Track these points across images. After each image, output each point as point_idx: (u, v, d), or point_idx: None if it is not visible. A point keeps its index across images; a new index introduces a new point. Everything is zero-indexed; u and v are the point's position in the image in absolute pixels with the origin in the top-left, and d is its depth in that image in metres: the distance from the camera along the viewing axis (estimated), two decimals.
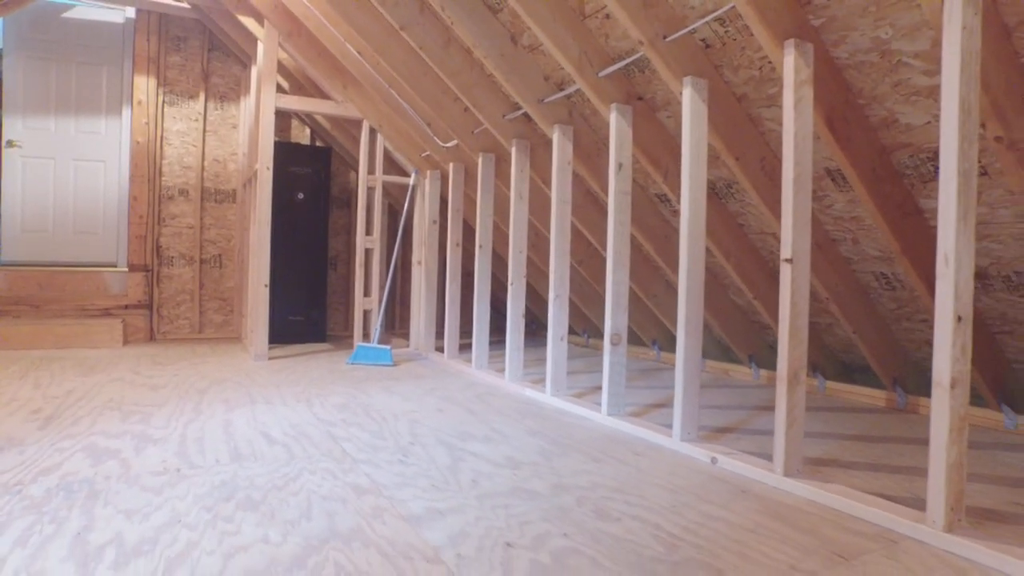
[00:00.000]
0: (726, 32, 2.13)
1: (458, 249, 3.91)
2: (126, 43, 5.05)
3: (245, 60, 5.05)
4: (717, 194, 2.88)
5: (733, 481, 1.89)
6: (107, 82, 5.03)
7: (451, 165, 3.93)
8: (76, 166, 4.95)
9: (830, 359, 3.32)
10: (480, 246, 3.55)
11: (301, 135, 5.29)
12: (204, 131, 5.01)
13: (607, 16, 2.39)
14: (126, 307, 4.65)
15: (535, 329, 5.69)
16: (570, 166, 2.90)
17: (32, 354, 3.97)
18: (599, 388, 3.28)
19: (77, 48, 4.97)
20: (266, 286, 3.88)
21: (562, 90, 2.91)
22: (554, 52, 2.46)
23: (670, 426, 2.45)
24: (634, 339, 4.54)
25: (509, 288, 3.23)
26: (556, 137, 2.88)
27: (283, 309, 4.61)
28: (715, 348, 3.95)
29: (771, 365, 3.63)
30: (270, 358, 3.99)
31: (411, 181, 4.29)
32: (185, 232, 4.91)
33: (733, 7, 1.95)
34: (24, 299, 4.46)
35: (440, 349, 4.27)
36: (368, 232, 4.13)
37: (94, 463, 1.90)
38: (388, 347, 3.85)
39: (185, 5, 4.79)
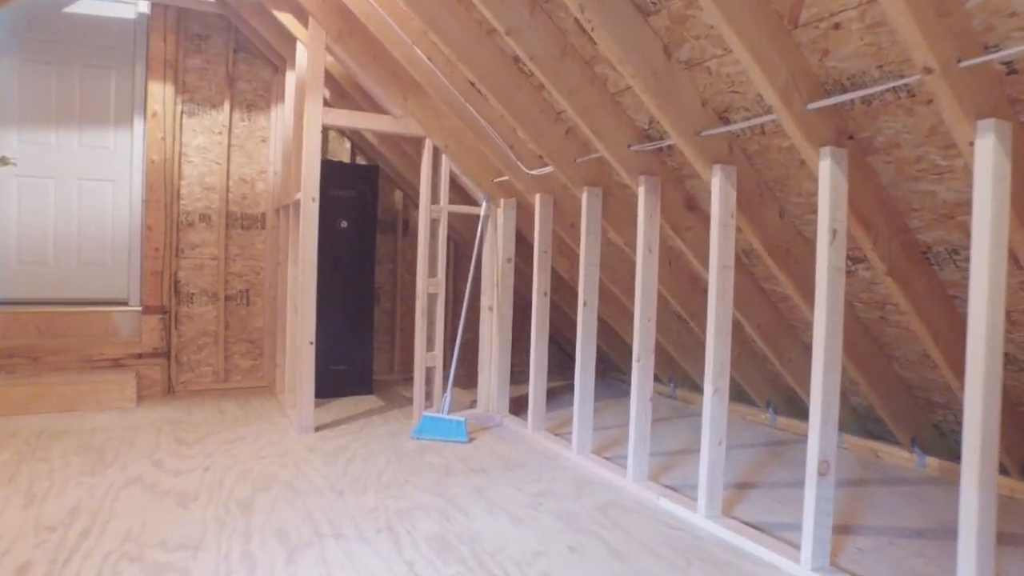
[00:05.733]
0: None
1: (546, 299, 3.22)
2: (138, 43, 4.34)
3: (277, 62, 4.34)
4: (931, 260, 2.18)
5: None
6: (116, 88, 4.33)
7: (537, 196, 3.22)
8: (80, 186, 4.26)
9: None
10: (585, 303, 2.86)
11: (340, 149, 4.58)
12: (229, 146, 4.31)
13: (836, 26, 1.68)
14: (139, 356, 3.96)
15: (603, 370, 5.00)
16: (733, 219, 2.20)
17: (30, 424, 3.29)
18: (745, 486, 2.59)
19: (81, 49, 4.25)
20: (311, 343, 3.19)
21: (725, 120, 2.21)
22: (754, 73, 1.76)
23: None
24: (740, 395, 3.85)
25: (635, 365, 2.54)
26: (717, 181, 2.18)
27: (323, 356, 3.91)
28: (851, 419, 3.27)
29: (939, 451, 2.93)
30: (317, 427, 3.31)
31: (481, 211, 3.59)
32: (207, 264, 4.22)
33: None
34: (20, 349, 3.77)
35: (516, 413, 3.57)
36: (432, 273, 3.44)
37: None
38: (462, 420, 3.16)
39: None
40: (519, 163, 3.18)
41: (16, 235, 4.13)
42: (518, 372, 3.64)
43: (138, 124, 4.29)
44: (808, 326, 2.92)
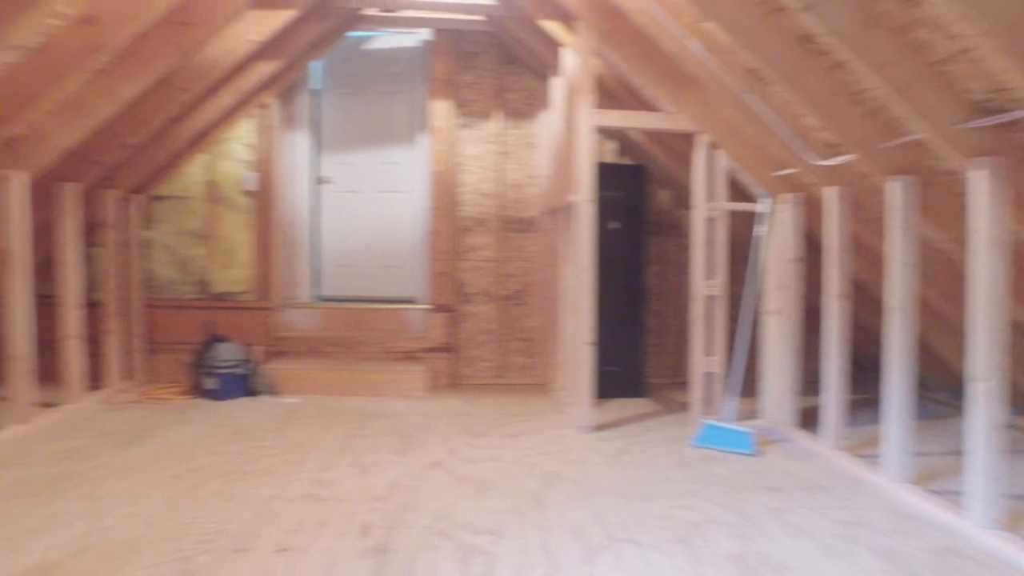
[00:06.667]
0: None
1: (843, 303, 2.89)
2: (420, 67, 4.80)
3: (541, 70, 4.50)
4: None
5: None
6: (404, 109, 4.85)
7: (829, 190, 2.90)
8: (378, 198, 4.85)
9: None
10: (900, 309, 2.50)
11: (605, 149, 4.60)
12: (500, 153, 4.58)
13: None
14: (429, 350, 4.39)
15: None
16: None
17: (349, 404, 3.81)
18: None
19: (377, 78, 4.84)
20: (590, 344, 3.24)
21: None
22: None
23: None
24: None
25: (979, 386, 2.14)
26: None
27: (596, 357, 3.95)
28: None
29: None
30: (594, 427, 3.35)
31: (761, 208, 3.35)
32: (484, 266, 4.53)
33: None
34: (338, 340, 4.41)
35: (805, 427, 3.25)
36: (709, 275, 3.29)
37: None
38: (748, 431, 2.98)
39: (479, 17, 4.37)
40: (807, 154, 2.89)
41: (333, 242, 4.84)
42: (805, 383, 3.31)
43: (422, 139, 4.75)
44: None
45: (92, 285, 4.02)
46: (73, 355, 3.64)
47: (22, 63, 2.73)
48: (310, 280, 4.78)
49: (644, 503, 2.39)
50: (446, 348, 4.41)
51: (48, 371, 3.41)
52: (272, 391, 4.01)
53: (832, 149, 2.82)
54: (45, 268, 3.54)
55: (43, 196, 3.46)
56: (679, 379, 4.58)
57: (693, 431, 3.21)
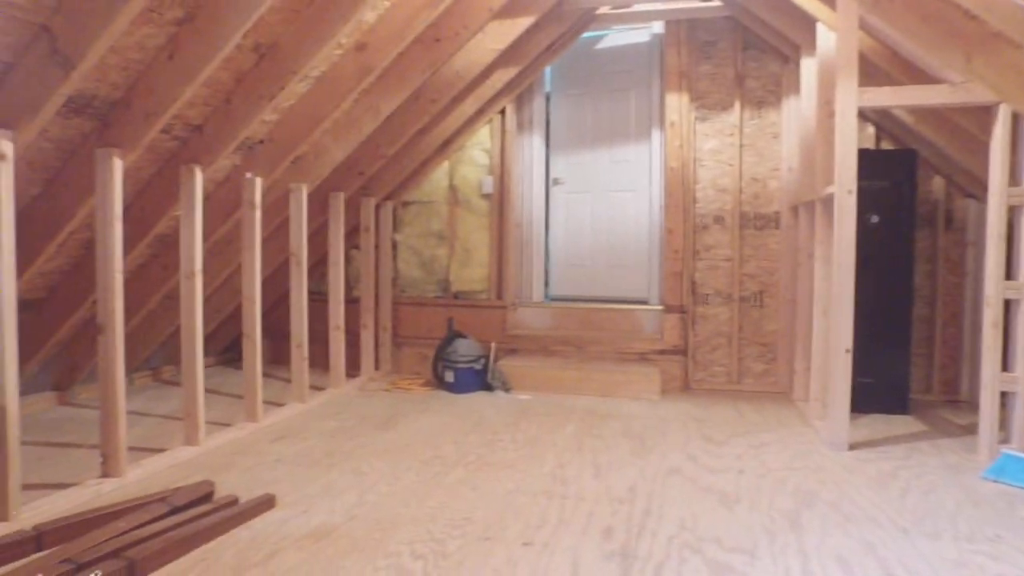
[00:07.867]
0: None
1: None
2: (652, 62, 4.68)
3: (788, 53, 4.12)
4: None
5: None
6: (635, 106, 4.76)
7: None
8: (608, 197, 4.82)
9: None
10: None
11: (860, 135, 4.09)
12: (739, 146, 4.28)
13: None
14: (661, 352, 4.24)
15: None
16: None
17: (579, 403, 3.80)
18: None
19: (606, 77, 4.82)
20: (847, 352, 2.88)
21: None
22: None
23: None
24: None
25: None
26: None
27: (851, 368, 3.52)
28: None
29: None
30: (850, 444, 2.97)
31: None
32: (721, 265, 4.27)
33: None
34: (568, 339, 4.44)
35: None
36: (1010, 275, 2.75)
37: None
38: None
39: (716, 3, 4.13)
40: None
41: (563, 242, 4.91)
42: None
43: (655, 135, 4.62)
44: None
45: (350, 283, 4.50)
46: (336, 345, 4.10)
47: (310, 91, 3.12)
48: (542, 280, 4.90)
49: (927, 540, 2.03)
50: (680, 351, 4.23)
51: (315, 359, 3.85)
52: (506, 387, 4.14)
53: None
54: (314, 268, 4.02)
55: (315, 205, 3.94)
56: (952, 396, 3.93)
57: (984, 460, 2.70)
